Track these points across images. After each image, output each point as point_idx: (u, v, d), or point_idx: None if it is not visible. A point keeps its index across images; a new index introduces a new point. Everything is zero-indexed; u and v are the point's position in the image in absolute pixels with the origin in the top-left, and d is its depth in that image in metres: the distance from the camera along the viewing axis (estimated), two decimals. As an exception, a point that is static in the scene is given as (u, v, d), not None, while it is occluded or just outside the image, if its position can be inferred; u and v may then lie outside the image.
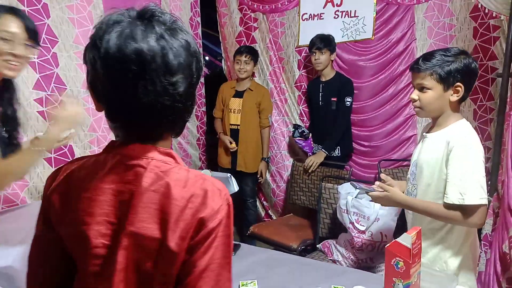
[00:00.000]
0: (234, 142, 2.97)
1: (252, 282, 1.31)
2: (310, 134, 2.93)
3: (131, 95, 0.67)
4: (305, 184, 2.93)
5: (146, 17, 0.69)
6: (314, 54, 2.78)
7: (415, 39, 2.75)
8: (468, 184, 1.27)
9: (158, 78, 0.66)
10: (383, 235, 2.08)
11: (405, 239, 1.11)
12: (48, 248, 0.77)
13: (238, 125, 3.00)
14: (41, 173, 2.20)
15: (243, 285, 1.30)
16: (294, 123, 3.17)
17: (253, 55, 2.96)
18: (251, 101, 2.97)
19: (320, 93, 2.88)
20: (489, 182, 2.69)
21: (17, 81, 2.04)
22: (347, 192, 2.20)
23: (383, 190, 1.43)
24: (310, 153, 2.97)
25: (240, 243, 1.69)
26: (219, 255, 0.68)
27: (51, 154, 2.25)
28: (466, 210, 1.28)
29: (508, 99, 2.40)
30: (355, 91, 2.86)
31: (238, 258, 1.54)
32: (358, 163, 3.02)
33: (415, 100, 1.39)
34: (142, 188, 0.68)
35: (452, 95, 1.33)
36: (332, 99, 2.81)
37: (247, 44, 3.25)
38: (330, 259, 2.27)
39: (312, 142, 2.95)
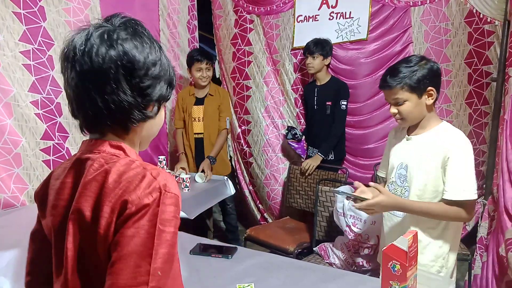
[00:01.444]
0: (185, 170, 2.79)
1: (249, 286, 1.31)
2: (304, 136, 2.93)
3: (97, 99, 0.71)
4: (302, 187, 2.93)
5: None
6: (307, 58, 2.80)
7: (412, 42, 2.77)
8: (468, 181, 1.36)
9: (122, 82, 0.71)
10: (380, 238, 2.09)
11: (402, 242, 1.11)
12: (40, 241, 0.87)
13: (202, 133, 2.93)
14: (40, 175, 2.19)
15: (240, 288, 1.30)
16: (288, 125, 3.18)
17: (212, 60, 2.87)
18: (212, 107, 2.90)
19: (315, 97, 2.89)
20: (484, 186, 2.71)
21: (13, 83, 2.05)
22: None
23: (366, 199, 1.41)
24: (303, 156, 2.98)
25: (237, 246, 1.68)
26: (139, 243, 0.66)
27: (50, 156, 2.24)
28: (465, 205, 1.37)
29: (503, 103, 2.42)
30: (351, 92, 2.87)
31: (235, 261, 1.53)
32: (355, 163, 3.03)
33: (395, 114, 1.46)
34: (86, 179, 0.73)
35: (427, 99, 1.42)
36: (327, 103, 2.82)
37: (242, 46, 3.25)
38: (327, 262, 2.27)
39: (305, 145, 2.95)
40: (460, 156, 1.37)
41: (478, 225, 2.57)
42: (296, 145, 2.95)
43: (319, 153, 2.82)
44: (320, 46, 2.75)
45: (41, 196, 0.83)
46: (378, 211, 1.46)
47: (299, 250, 2.47)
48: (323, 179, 2.73)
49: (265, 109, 3.32)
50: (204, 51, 2.93)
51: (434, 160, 1.41)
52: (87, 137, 0.80)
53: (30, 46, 2.16)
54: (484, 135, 2.72)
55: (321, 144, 2.85)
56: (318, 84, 2.88)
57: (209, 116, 2.90)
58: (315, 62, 2.77)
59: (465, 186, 1.36)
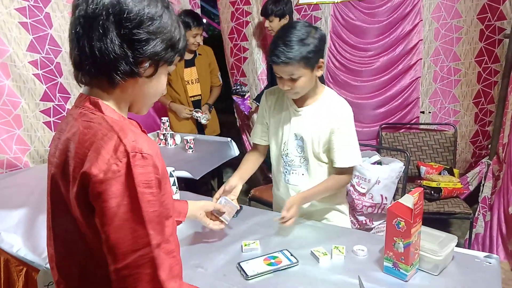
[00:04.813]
0: (189, 109, 2.82)
1: (254, 242, 1.33)
2: (248, 93, 2.91)
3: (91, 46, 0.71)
4: (306, 148, 2.93)
5: None
6: (265, 21, 2.71)
7: (422, -5, 2.65)
8: (354, 148, 1.43)
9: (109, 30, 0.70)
10: (383, 197, 2.11)
11: (407, 200, 1.11)
12: None
13: (200, 95, 2.89)
14: (42, 137, 2.19)
15: (245, 245, 1.32)
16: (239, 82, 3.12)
17: (203, 24, 2.78)
18: (204, 66, 2.86)
19: None
20: (490, 146, 2.69)
21: (10, 42, 2.00)
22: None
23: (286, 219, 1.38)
24: (247, 112, 2.98)
25: (242, 205, 1.70)
26: (127, 210, 0.66)
27: (50, 118, 2.22)
28: (350, 170, 1.45)
29: (515, 61, 2.35)
30: (360, 53, 2.78)
31: (240, 220, 1.55)
32: (361, 127, 3.00)
33: (288, 90, 1.38)
34: (63, 136, 0.76)
35: (317, 70, 1.38)
36: None
37: (241, 6, 3.10)
38: (330, 221, 2.31)
39: (249, 102, 2.92)
40: (346, 126, 1.42)
41: (481, 184, 2.58)
42: (239, 101, 2.94)
43: None
44: (274, 7, 2.61)
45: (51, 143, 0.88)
46: (295, 213, 1.41)
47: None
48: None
49: (261, 72, 3.24)
50: (196, 14, 2.78)
51: (325, 129, 1.43)
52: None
53: (26, 2, 2.08)
54: (493, 94, 2.66)
55: None
56: None
57: (204, 77, 2.87)
58: (273, 25, 2.66)
59: (352, 152, 1.42)
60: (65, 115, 2.26)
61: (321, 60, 1.36)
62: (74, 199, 0.69)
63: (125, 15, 0.69)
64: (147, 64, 0.73)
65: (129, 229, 0.66)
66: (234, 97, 2.96)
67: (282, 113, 1.51)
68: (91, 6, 0.68)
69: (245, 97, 2.91)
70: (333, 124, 1.42)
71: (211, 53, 2.96)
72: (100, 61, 0.70)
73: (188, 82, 2.84)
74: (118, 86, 0.74)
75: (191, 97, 2.87)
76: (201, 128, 2.97)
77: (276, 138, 1.54)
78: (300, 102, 1.47)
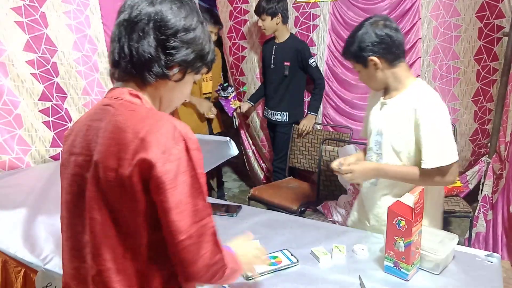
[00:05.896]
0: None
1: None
2: (233, 93, 2.94)
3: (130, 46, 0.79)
4: (305, 147, 2.92)
5: None
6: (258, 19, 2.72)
7: (421, -5, 2.64)
8: (444, 146, 1.29)
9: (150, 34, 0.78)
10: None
11: (408, 199, 1.11)
12: None
13: (210, 92, 2.94)
14: (43, 136, 2.17)
15: (245, 245, 1.31)
16: (226, 84, 3.14)
17: (219, 22, 2.80)
18: (218, 64, 2.92)
19: (273, 56, 2.80)
20: (489, 144, 2.69)
21: (6, 41, 1.98)
22: (348, 155, 2.20)
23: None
24: (230, 114, 3.03)
25: (241, 204, 1.69)
26: (188, 185, 0.73)
27: (49, 117, 2.21)
28: (443, 170, 1.30)
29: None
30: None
31: (240, 219, 1.55)
32: (360, 125, 2.99)
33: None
34: (105, 123, 0.78)
35: (373, 68, 1.34)
36: (285, 63, 2.72)
37: (239, 4, 3.09)
38: (330, 220, 2.30)
39: (232, 103, 2.96)
40: (431, 121, 1.28)
41: (481, 183, 2.58)
42: (224, 103, 2.97)
43: (311, 113, 2.81)
44: (265, 5, 2.61)
45: (66, 139, 0.89)
46: (358, 176, 1.40)
47: (303, 209, 2.50)
48: (326, 139, 2.71)
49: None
50: (214, 13, 2.83)
51: (406, 125, 1.33)
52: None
53: (22, 2, 2.06)
54: (492, 92, 2.66)
55: (276, 105, 2.84)
56: (277, 42, 2.77)
57: (215, 75, 2.92)
58: (265, 24, 2.66)
59: (441, 151, 1.28)
60: (65, 117, 2.25)
61: (370, 57, 1.31)
62: (127, 179, 0.72)
63: (164, 23, 0.78)
64: (176, 69, 0.81)
65: (191, 204, 0.73)
66: (219, 98, 3.01)
67: (374, 105, 1.48)
68: (135, 12, 0.78)
69: (228, 98, 2.94)
70: (416, 117, 1.29)
71: (218, 53, 3.01)
72: (136, 60, 0.78)
73: (204, 79, 2.88)
74: (150, 85, 0.81)
75: (204, 94, 2.90)
76: (209, 124, 3.02)
77: (367, 131, 1.53)
78: (387, 94, 1.43)
